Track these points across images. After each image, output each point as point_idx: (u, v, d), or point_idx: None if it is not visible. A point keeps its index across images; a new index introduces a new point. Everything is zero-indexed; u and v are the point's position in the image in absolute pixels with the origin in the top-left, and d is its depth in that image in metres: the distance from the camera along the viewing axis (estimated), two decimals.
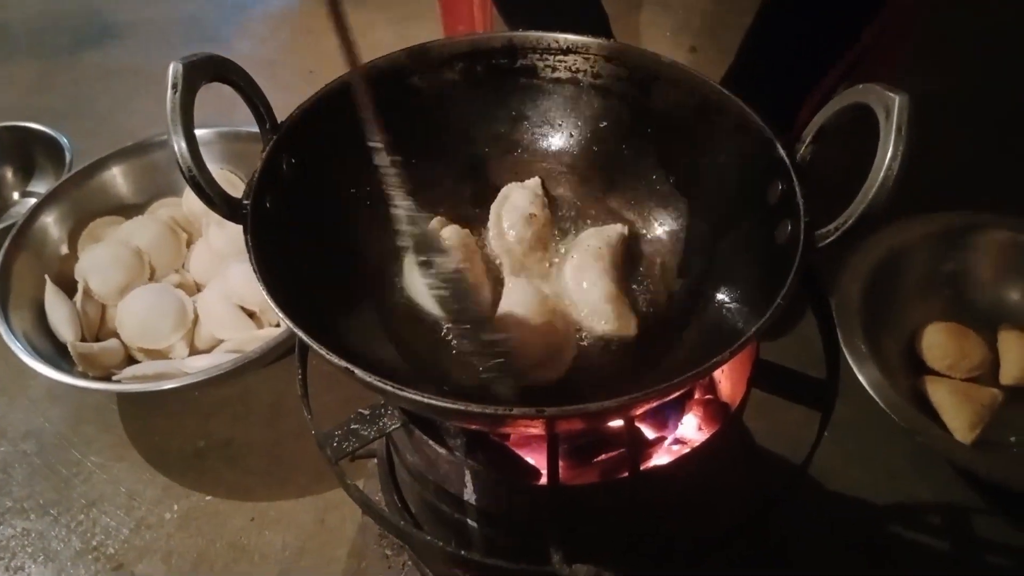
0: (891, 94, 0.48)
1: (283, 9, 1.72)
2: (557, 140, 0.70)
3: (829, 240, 0.50)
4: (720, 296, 0.60)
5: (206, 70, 0.52)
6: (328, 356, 0.46)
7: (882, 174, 0.47)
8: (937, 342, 0.98)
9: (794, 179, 0.54)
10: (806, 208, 0.53)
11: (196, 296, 1.06)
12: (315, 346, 0.47)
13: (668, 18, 1.64)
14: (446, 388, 0.56)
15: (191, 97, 0.51)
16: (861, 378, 0.88)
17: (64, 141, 1.24)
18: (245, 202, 0.53)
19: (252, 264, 0.50)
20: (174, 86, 0.50)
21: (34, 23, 1.69)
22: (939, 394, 0.93)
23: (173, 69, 0.50)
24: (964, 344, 0.97)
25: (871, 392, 0.87)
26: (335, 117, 0.58)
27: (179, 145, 0.50)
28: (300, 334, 0.47)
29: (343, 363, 0.46)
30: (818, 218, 0.52)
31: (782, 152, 0.56)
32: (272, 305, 0.48)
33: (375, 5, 1.67)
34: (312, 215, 0.59)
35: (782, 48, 1.01)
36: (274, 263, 0.52)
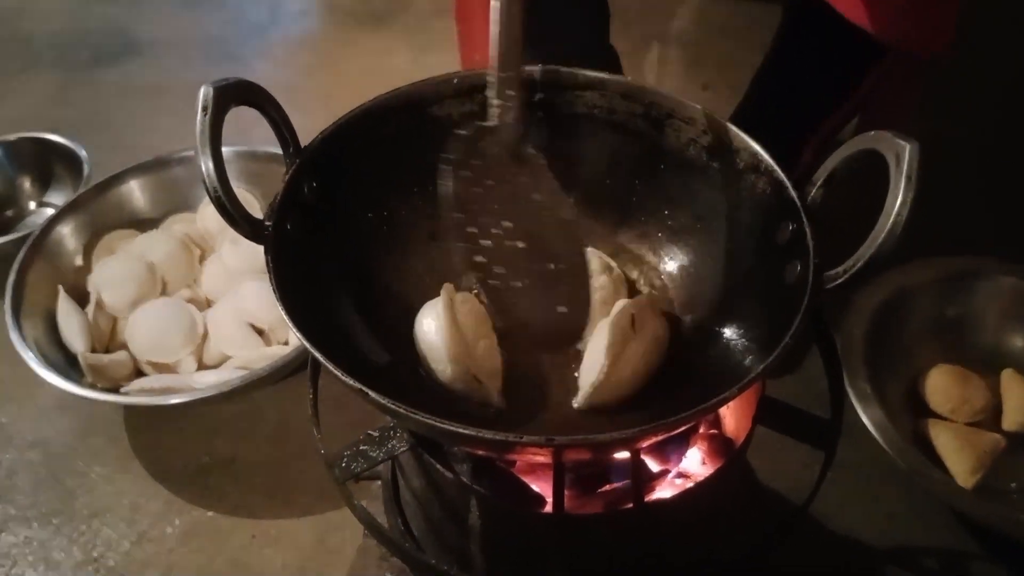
0: (902, 142, 0.49)
1: (303, 33, 1.75)
2: (570, 173, 0.71)
3: (838, 282, 0.51)
4: (728, 333, 0.62)
5: (236, 94, 0.53)
6: (344, 377, 0.47)
7: (891, 220, 0.48)
8: (940, 386, 0.98)
9: (804, 221, 0.56)
10: (816, 250, 0.54)
11: (207, 312, 1.07)
12: (331, 367, 0.48)
13: (682, 55, 1.67)
14: (457, 413, 0.57)
15: (220, 120, 0.52)
16: (864, 419, 0.89)
17: (83, 153, 1.25)
18: (267, 223, 0.55)
19: (272, 283, 0.51)
20: (204, 109, 0.51)
21: (57, 37, 1.72)
22: (941, 438, 0.93)
23: (204, 92, 0.52)
24: (967, 389, 0.97)
25: (874, 433, 0.87)
26: (356, 143, 0.60)
27: (207, 166, 0.51)
28: (317, 354, 0.48)
29: (358, 385, 0.47)
30: (827, 260, 0.54)
31: (793, 194, 0.57)
32: (290, 324, 0.49)
33: (396, 32, 1.70)
34: (332, 237, 0.60)
35: (787, 89, 1.03)
36: (293, 284, 0.53)
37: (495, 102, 0.61)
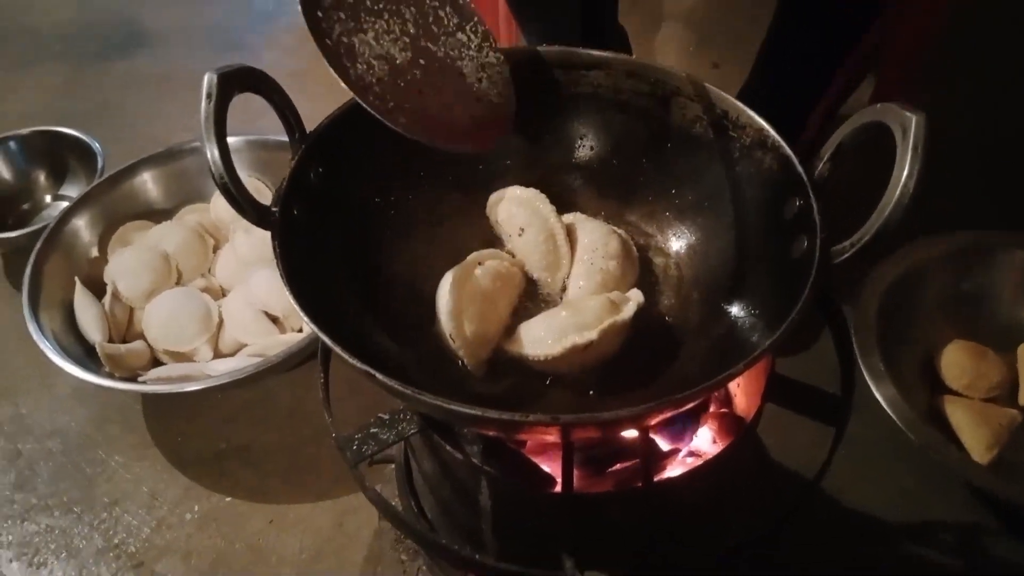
0: (908, 113, 0.48)
1: None
2: (578, 153, 0.71)
3: (845, 256, 0.51)
4: (735, 309, 0.61)
5: (240, 81, 0.54)
6: (351, 360, 0.47)
7: (898, 192, 0.47)
8: (956, 361, 0.97)
9: (811, 195, 0.55)
10: (822, 224, 0.53)
11: (221, 301, 1.08)
12: (338, 350, 0.48)
13: (691, 34, 1.66)
14: (465, 393, 0.57)
15: (224, 107, 0.52)
16: (878, 395, 0.88)
17: (96, 146, 1.26)
18: (274, 209, 0.55)
19: (279, 269, 0.51)
20: (208, 96, 0.51)
21: (64, 29, 1.72)
22: (957, 414, 0.93)
23: (208, 79, 0.52)
24: (983, 364, 0.97)
25: (887, 409, 0.87)
26: (362, 128, 0.59)
27: (212, 153, 0.51)
28: (324, 338, 0.49)
29: (364, 367, 0.47)
30: (835, 234, 0.53)
31: (800, 169, 0.57)
32: (297, 309, 0.50)
33: None
34: (338, 223, 0.61)
35: (789, 59, 1.03)
36: (300, 269, 0.53)
37: None
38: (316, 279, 0.55)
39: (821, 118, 1.02)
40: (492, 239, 0.69)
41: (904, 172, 0.47)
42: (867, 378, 0.90)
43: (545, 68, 0.68)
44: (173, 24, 1.70)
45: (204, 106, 0.51)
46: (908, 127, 0.48)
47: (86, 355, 0.99)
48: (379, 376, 0.46)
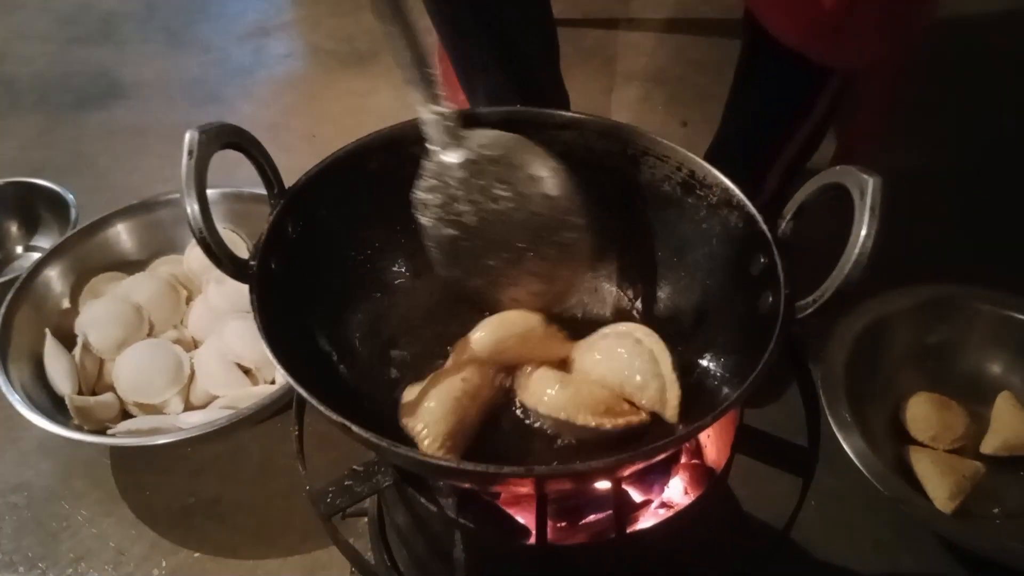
0: (865, 176, 0.51)
1: (286, 73, 1.77)
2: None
3: (808, 312, 0.53)
4: (704, 362, 0.63)
5: (220, 137, 0.55)
6: (326, 412, 0.48)
7: (856, 251, 0.50)
8: (921, 414, 0.99)
9: (775, 253, 0.57)
10: (786, 281, 0.55)
11: (193, 352, 1.08)
12: (314, 402, 0.48)
13: (661, 92, 1.70)
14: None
15: (205, 163, 0.53)
16: (846, 447, 0.90)
17: (70, 197, 1.26)
18: (252, 263, 0.56)
19: (257, 322, 0.52)
20: (190, 153, 0.52)
21: (40, 79, 1.73)
22: (922, 464, 0.94)
23: (190, 137, 0.53)
24: (947, 415, 0.99)
25: (855, 461, 0.88)
26: (339, 184, 0.61)
27: (192, 208, 0.52)
28: (300, 390, 0.49)
29: (340, 419, 0.47)
30: (800, 289, 0.55)
31: (764, 227, 0.59)
32: (274, 361, 0.50)
33: (378, 71, 1.72)
34: (316, 276, 0.62)
35: (749, 118, 1.06)
36: (278, 321, 0.54)
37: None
38: (293, 332, 0.56)
39: (782, 173, 1.05)
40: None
41: (862, 232, 0.50)
42: (835, 430, 0.91)
43: (518, 127, 0.70)
44: (151, 76, 1.72)
45: (185, 163, 0.52)
46: (866, 189, 0.51)
47: (54, 407, 0.97)
48: (354, 428, 0.47)
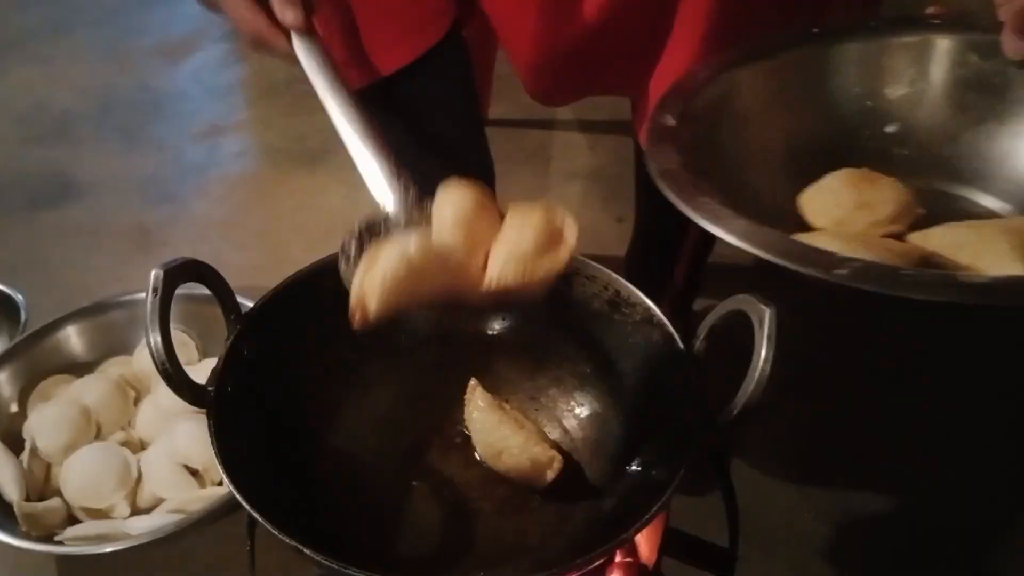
0: (763, 306, 0.57)
1: (240, 172, 1.82)
2: (493, 324, 0.78)
3: (721, 425, 0.59)
4: (634, 469, 0.68)
5: (184, 273, 0.60)
6: (281, 537, 0.52)
7: (757, 373, 0.56)
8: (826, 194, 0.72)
9: (691, 369, 0.64)
10: (701, 397, 0.62)
11: (140, 454, 1.09)
12: (271, 527, 0.52)
13: (599, 189, 1.80)
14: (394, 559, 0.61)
15: (169, 299, 0.58)
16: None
17: (20, 299, 1.28)
18: (209, 388, 0.60)
19: (214, 447, 0.56)
20: (155, 290, 0.57)
21: None
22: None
23: (155, 275, 0.57)
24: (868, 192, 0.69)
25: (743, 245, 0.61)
26: (292, 309, 0.66)
27: (155, 341, 0.56)
28: (256, 515, 0.53)
29: (293, 543, 0.51)
30: (712, 402, 0.61)
31: (681, 345, 0.65)
32: (232, 489, 0.54)
33: (329, 171, 1.78)
34: (271, 397, 0.66)
35: (649, 223, 1.14)
36: (235, 444, 0.58)
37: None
38: (250, 453, 0.59)
39: (689, 264, 1.12)
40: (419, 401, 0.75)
41: (761, 357, 0.56)
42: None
43: None
44: (106, 175, 1.75)
45: (150, 300, 0.57)
46: (763, 318, 0.57)
47: (1, 515, 0.97)
48: (307, 551, 0.50)
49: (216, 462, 0.55)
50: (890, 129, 0.77)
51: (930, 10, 0.81)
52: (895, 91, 0.79)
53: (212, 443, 0.56)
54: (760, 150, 0.77)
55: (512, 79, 1.02)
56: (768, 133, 0.77)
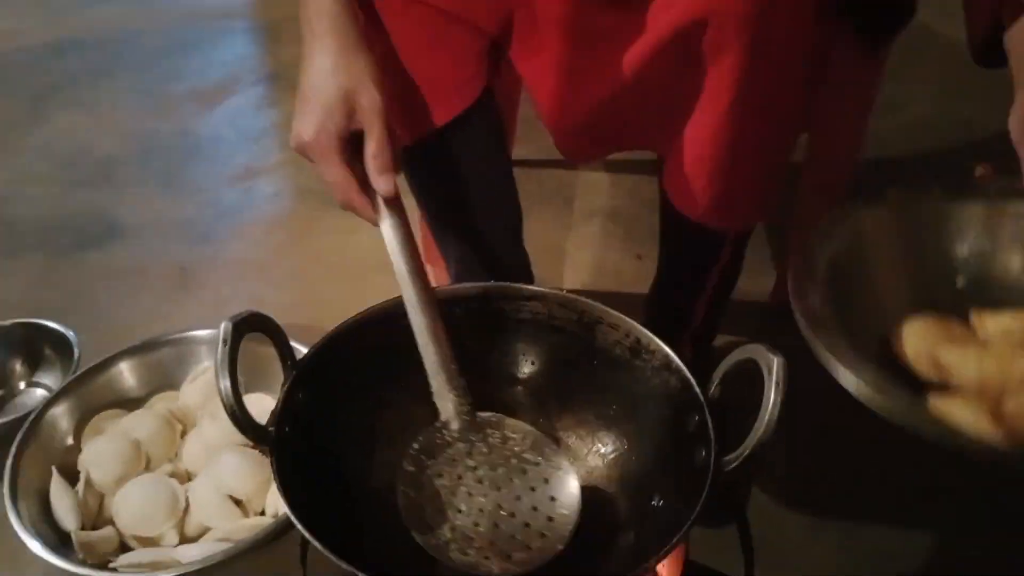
0: (771, 355, 0.63)
1: (274, 213, 1.90)
2: (522, 368, 0.85)
3: (732, 466, 0.65)
4: (653, 503, 0.74)
5: (249, 324, 0.67)
6: (339, 562, 0.58)
7: (766, 418, 0.62)
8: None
9: (707, 413, 0.69)
10: (716, 438, 0.67)
11: (187, 485, 1.15)
12: (327, 553, 0.58)
13: (618, 228, 1.85)
14: None
15: (236, 348, 0.65)
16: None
17: (72, 336, 1.35)
18: (270, 428, 0.66)
19: (276, 481, 0.62)
20: (224, 341, 0.64)
21: (42, 221, 1.83)
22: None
23: (224, 327, 0.64)
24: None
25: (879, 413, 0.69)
26: (343, 357, 0.73)
27: (225, 387, 0.63)
28: (315, 542, 0.59)
29: (349, 567, 0.57)
30: (726, 445, 0.67)
31: (697, 390, 0.71)
32: (293, 518, 0.60)
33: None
34: (322, 435, 0.72)
35: (671, 265, 1.19)
36: (293, 478, 0.64)
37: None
38: (304, 486, 0.66)
39: (708, 306, 1.15)
40: None
41: (770, 402, 0.62)
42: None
43: (492, 299, 0.83)
44: (146, 218, 1.83)
45: (220, 350, 0.64)
46: (772, 366, 0.63)
47: (59, 542, 1.04)
48: None
49: (277, 493, 0.62)
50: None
51: (979, 172, 0.89)
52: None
53: (275, 478, 0.62)
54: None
55: (535, 122, 1.08)
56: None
